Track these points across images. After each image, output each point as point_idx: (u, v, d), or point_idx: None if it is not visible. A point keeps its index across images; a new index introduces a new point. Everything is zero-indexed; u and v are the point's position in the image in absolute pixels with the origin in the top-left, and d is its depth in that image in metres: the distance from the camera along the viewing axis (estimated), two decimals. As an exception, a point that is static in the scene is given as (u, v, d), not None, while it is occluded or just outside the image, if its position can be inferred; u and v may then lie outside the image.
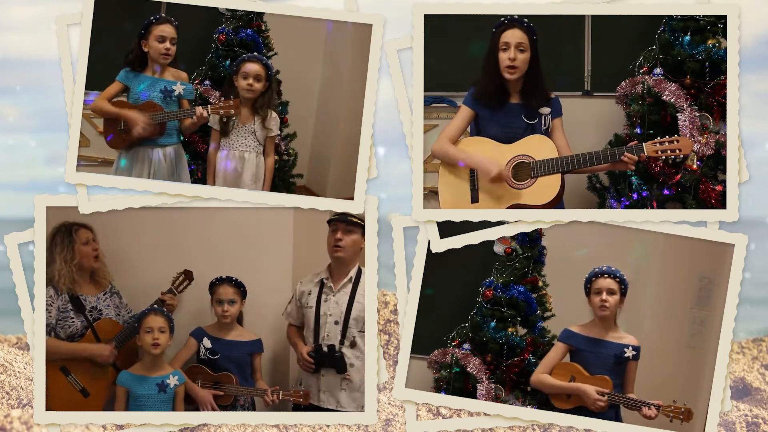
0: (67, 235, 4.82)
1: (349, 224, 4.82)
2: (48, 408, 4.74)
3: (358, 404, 4.81)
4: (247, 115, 4.97)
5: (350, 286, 4.88)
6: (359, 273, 4.87)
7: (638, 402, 4.71)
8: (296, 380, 4.93)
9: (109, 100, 4.88)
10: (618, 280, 4.76)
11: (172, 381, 4.83)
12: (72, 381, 4.84)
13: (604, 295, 4.76)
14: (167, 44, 4.88)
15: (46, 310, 4.77)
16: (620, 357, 4.76)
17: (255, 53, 4.95)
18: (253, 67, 4.92)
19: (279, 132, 4.99)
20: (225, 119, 4.95)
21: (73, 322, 4.86)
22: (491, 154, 4.76)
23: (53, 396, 4.78)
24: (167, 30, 4.86)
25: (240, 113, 4.93)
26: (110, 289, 4.94)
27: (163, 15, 4.83)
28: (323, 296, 4.91)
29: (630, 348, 4.76)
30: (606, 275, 4.77)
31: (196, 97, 4.97)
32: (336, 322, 4.87)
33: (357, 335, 4.85)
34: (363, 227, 4.76)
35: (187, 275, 4.94)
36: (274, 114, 4.97)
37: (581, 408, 4.73)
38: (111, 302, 4.93)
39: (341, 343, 4.86)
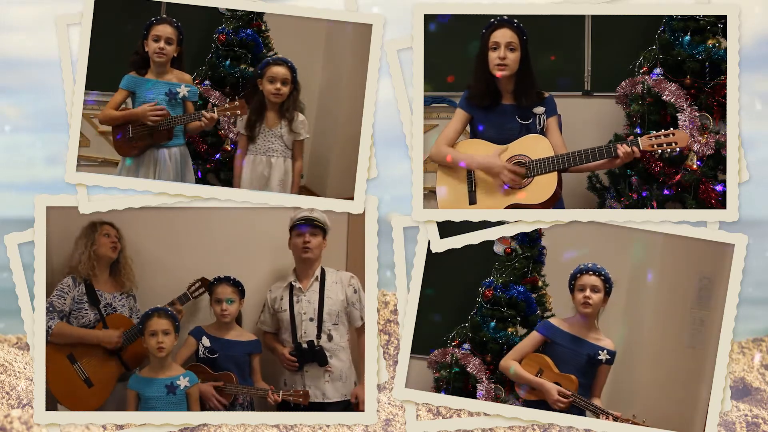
0: (92, 227, 4.87)
1: (314, 227, 4.86)
2: (51, 396, 4.77)
3: (341, 393, 4.92)
4: (274, 119, 4.95)
5: (317, 284, 4.95)
6: (323, 271, 4.95)
7: (599, 409, 4.67)
8: (282, 381, 4.94)
9: (116, 108, 4.89)
10: (603, 278, 4.74)
11: (183, 382, 4.82)
12: (77, 369, 4.86)
13: (588, 292, 4.74)
14: (161, 44, 4.86)
15: (62, 297, 4.85)
16: (593, 358, 4.73)
17: (279, 55, 4.92)
18: (279, 71, 4.89)
19: (308, 135, 4.98)
20: (252, 124, 4.92)
21: (87, 313, 4.89)
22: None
23: (57, 384, 4.81)
24: (163, 30, 4.85)
25: (245, 113, 4.92)
26: (129, 291, 4.96)
27: (164, 16, 4.83)
28: (294, 298, 4.95)
29: (605, 351, 4.74)
30: (591, 272, 4.75)
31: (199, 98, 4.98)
32: (311, 319, 4.93)
33: (332, 328, 4.93)
34: (324, 230, 4.87)
35: (204, 283, 4.94)
36: (301, 117, 4.95)
37: (542, 402, 4.72)
38: (126, 303, 4.95)
39: (318, 337, 4.91)
